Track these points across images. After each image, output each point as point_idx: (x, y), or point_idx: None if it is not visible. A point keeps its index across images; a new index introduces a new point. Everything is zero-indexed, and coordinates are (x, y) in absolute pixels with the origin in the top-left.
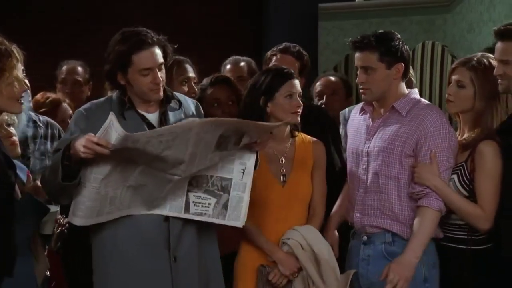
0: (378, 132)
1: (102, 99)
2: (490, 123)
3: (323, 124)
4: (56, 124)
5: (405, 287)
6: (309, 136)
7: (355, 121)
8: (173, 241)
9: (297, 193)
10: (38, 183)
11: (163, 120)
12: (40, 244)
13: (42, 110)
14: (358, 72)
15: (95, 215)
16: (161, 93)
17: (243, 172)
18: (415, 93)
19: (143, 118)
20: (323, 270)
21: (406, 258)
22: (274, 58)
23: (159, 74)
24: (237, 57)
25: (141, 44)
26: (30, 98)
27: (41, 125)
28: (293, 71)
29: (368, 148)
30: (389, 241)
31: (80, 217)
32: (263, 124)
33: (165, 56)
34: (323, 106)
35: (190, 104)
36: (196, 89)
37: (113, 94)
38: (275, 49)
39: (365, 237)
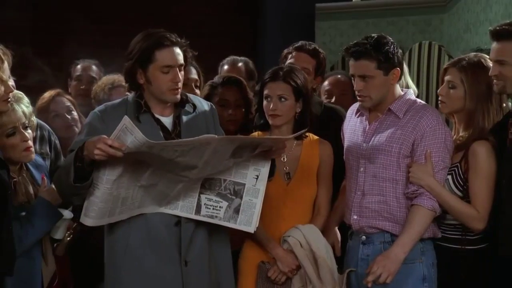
0: (375, 134)
1: (117, 101)
2: (481, 123)
3: (337, 124)
4: (47, 126)
5: (388, 280)
6: (316, 136)
7: (351, 122)
8: (184, 246)
9: (302, 192)
10: (53, 186)
11: (177, 123)
12: (50, 248)
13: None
14: (353, 79)
15: (107, 216)
16: (178, 96)
17: (256, 178)
18: (411, 93)
19: (158, 121)
20: (321, 268)
21: (393, 252)
22: (290, 56)
23: (179, 74)
24: (235, 57)
25: (164, 40)
26: None
27: None
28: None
29: (365, 150)
30: (388, 240)
31: (92, 217)
32: (277, 138)
33: (185, 60)
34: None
35: (205, 106)
36: (197, 92)
37: (129, 96)
38: (291, 47)
39: (364, 237)
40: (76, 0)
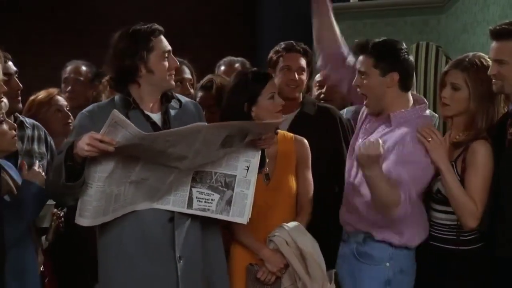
0: (364, 136)
1: (105, 101)
2: (481, 124)
3: (331, 124)
4: (42, 126)
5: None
6: (291, 134)
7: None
8: (178, 242)
9: (282, 191)
10: (35, 168)
11: (166, 119)
12: (38, 238)
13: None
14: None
15: (102, 215)
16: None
17: (247, 170)
18: (424, 109)
19: (148, 118)
20: (309, 264)
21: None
22: (281, 59)
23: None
24: (232, 58)
25: (156, 30)
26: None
27: (28, 125)
28: (271, 73)
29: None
30: (360, 241)
31: (87, 217)
32: (267, 122)
33: None
34: (324, 101)
35: (190, 104)
36: (192, 91)
37: (115, 96)
38: (279, 49)
39: (346, 235)
40: (70, 2)
